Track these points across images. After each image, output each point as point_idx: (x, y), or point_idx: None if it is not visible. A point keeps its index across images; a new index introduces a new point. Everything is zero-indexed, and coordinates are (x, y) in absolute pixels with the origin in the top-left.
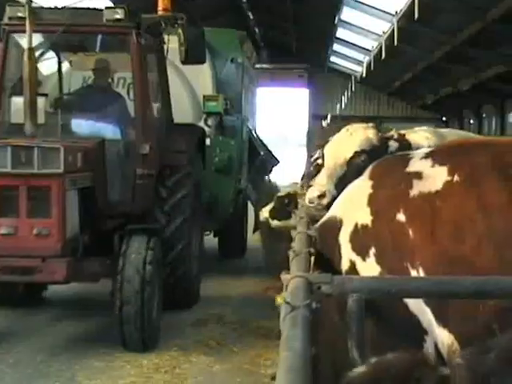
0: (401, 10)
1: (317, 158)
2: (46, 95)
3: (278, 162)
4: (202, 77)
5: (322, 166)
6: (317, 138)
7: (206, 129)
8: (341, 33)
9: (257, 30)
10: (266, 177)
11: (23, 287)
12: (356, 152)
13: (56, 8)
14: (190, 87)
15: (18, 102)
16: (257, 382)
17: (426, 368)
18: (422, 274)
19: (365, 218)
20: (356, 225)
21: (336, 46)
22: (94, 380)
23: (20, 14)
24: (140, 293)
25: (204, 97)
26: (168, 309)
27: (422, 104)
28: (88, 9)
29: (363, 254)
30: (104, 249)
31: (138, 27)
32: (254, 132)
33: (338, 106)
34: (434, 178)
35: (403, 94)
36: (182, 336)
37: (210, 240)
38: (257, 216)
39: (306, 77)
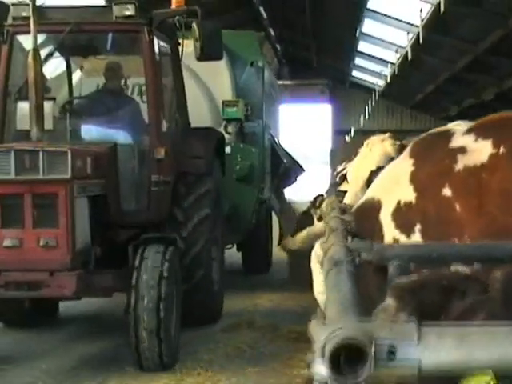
0: (422, 20)
1: (342, 170)
2: (53, 99)
3: (304, 170)
4: (220, 81)
5: (346, 177)
6: (340, 153)
7: (226, 136)
8: (362, 46)
9: (278, 47)
10: (286, 198)
11: (33, 305)
12: (372, 171)
13: (62, 7)
14: (208, 92)
15: (23, 107)
16: (291, 383)
17: (472, 282)
18: None
19: (408, 195)
20: (399, 203)
21: (357, 60)
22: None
23: (24, 14)
24: (155, 311)
25: (223, 102)
26: (188, 326)
27: (445, 116)
28: (96, 6)
29: (408, 231)
30: (118, 261)
31: (150, 24)
32: (276, 139)
33: (361, 120)
34: (479, 151)
35: (426, 107)
36: (213, 341)
37: (234, 254)
38: (281, 227)
39: (328, 92)
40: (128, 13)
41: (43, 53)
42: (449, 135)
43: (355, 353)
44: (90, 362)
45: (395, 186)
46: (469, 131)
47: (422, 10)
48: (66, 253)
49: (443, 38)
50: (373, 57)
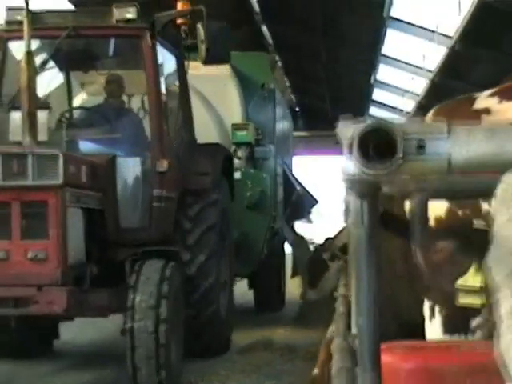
0: (437, 66)
1: None
2: (48, 108)
3: (317, 201)
4: (229, 104)
5: None
6: None
7: (236, 161)
8: (377, 94)
9: (293, 97)
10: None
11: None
12: None
13: (59, 11)
14: (217, 115)
15: (17, 117)
16: None
17: None
18: None
19: None
20: None
21: (372, 109)
22: None
23: (19, 18)
24: (154, 333)
25: (232, 126)
26: (194, 357)
27: None
28: (94, 9)
29: None
30: (115, 280)
31: (153, 27)
32: (288, 166)
33: None
34: (504, 111)
35: None
36: (230, 360)
37: (245, 294)
38: (294, 259)
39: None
40: (129, 16)
41: (38, 59)
42: (472, 100)
43: (384, 147)
44: None
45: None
46: (492, 94)
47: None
48: (56, 266)
49: (459, 82)
50: (388, 106)
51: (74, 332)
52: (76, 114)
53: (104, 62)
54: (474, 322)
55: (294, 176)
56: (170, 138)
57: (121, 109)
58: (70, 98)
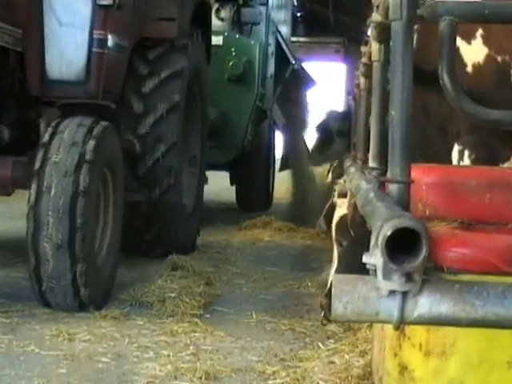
0: None
1: None
2: None
3: (315, 83)
4: None
5: None
6: None
7: (218, 23)
8: None
9: (294, 1)
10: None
11: None
12: None
13: None
14: None
15: None
16: None
17: None
18: None
19: None
20: None
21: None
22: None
23: None
24: (67, 213)
25: None
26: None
27: None
28: None
29: (468, 38)
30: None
31: None
32: (282, 36)
33: None
34: None
35: None
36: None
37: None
38: (285, 150)
39: (343, 52)
40: None
41: None
42: None
43: (408, 242)
44: None
45: None
46: None
47: None
48: None
49: None
50: None
51: None
52: None
53: None
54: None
55: (289, 48)
56: None
57: None
58: None
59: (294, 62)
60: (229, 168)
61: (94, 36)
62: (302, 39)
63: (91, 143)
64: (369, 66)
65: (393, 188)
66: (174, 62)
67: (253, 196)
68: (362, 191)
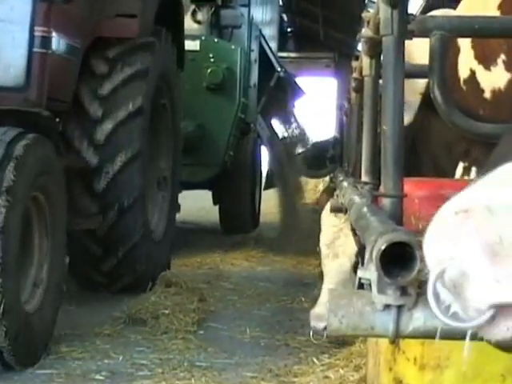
0: None
1: None
2: None
3: (304, 92)
4: None
5: None
6: None
7: (195, 26)
8: None
9: (284, 17)
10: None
11: None
12: None
13: None
14: None
15: None
16: None
17: None
18: None
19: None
20: None
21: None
22: None
23: None
24: None
25: None
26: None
27: None
28: None
29: (488, 63)
30: None
31: None
32: (266, 41)
33: None
34: None
35: None
36: None
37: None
38: (270, 165)
39: (333, 66)
40: None
41: None
42: None
43: (403, 256)
44: None
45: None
46: None
47: None
48: None
49: None
50: None
51: None
52: None
53: None
54: None
55: (274, 54)
56: None
57: None
58: None
59: (279, 69)
60: (211, 186)
61: (36, 33)
62: (292, 54)
63: (10, 166)
64: (360, 81)
65: (386, 202)
66: (137, 60)
67: (237, 216)
68: (355, 205)
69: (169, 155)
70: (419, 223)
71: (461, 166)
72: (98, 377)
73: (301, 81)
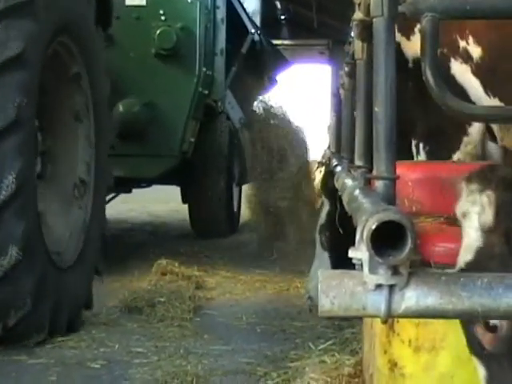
0: None
1: None
2: None
3: (288, 62)
4: None
5: None
6: None
7: None
8: None
9: (278, 4)
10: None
11: None
12: None
13: None
14: None
15: None
16: None
17: None
18: None
19: None
20: None
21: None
22: None
23: None
24: None
25: None
26: None
27: None
28: None
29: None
30: None
31: None
32: None
33: None
34: None
35: None
36: None
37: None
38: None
39: (328, 53)
40: None
41: None
42: None
43: (394, 236)
44: None
45: None
46: None
47: None
48: None
49: None
50: None
51: None
52: None
53: None
54: (455, 156)
55: (247, 13)
56: None
57: None
58: None
59: (253, 30)
60: (178, 182)
61: None
62: (286, 42)
63: None
64: (352, 65)
65: (379, 184)
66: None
67: (209, 218)
68: (347, 189)
69: (87, 148)
70: (412, 205)
71: (413, 143)
72: (94, 365)
73: (295, 68)
